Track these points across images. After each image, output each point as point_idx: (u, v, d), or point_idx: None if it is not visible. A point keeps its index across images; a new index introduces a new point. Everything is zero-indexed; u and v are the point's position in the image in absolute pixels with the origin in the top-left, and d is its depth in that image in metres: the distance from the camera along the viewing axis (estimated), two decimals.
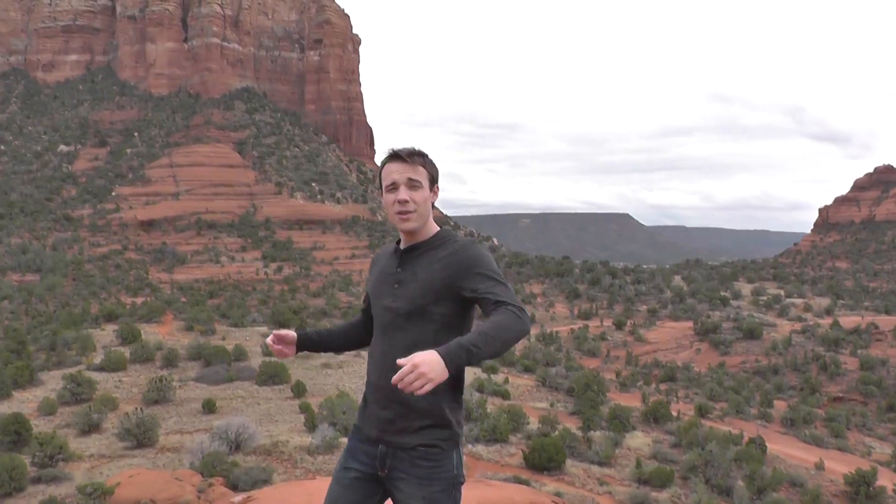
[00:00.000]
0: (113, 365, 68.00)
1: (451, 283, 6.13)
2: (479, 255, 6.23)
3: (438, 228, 6.49)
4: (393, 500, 6.41)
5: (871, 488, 45.46)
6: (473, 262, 6.17)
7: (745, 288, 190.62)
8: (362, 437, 6.47)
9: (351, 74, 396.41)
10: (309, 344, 6.84)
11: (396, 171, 6.26)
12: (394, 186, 6.26)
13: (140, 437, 43.17)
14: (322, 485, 16.37)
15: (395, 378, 5.33)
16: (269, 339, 6.66)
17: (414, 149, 6.35)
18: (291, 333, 6.76)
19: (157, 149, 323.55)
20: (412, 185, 6.24)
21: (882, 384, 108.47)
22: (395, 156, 6.30)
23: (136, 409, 47.48)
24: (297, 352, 6.78)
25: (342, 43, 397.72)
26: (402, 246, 6.44)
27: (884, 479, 47.98)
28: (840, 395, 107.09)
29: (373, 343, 6.48)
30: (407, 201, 6.21)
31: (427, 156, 6.40)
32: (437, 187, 6.48)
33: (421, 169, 6.29)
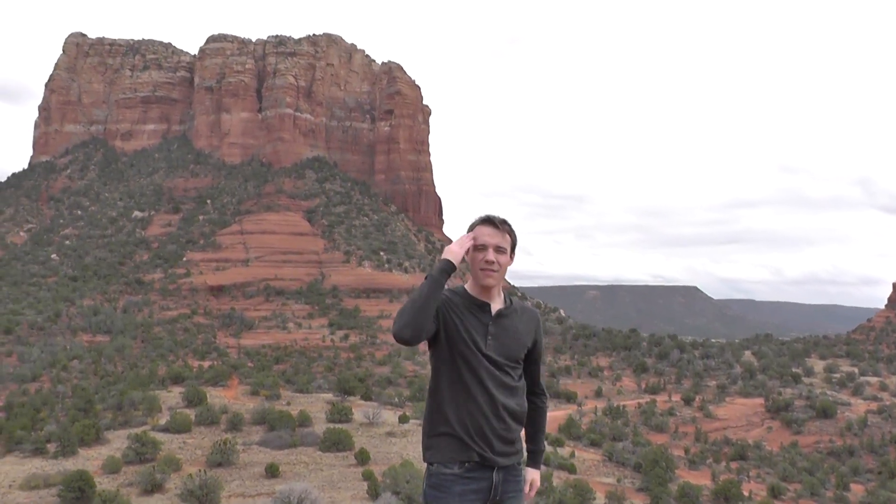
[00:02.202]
0: (178, 426, 68.13)
1: (531, 344, 7.94)
2: (542, 330, 8.09)
3: (504, 291, 7.94)
4: None
5: None
6: (541, 335, 8.09)
7: (818, 365, 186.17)
8: (473, 472, 7.55)
9: (421, 145, 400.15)
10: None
11: (488, 235, 7.63)
12: (484, 247, 7.61)
13: (202, 499, 42.85)
14: None
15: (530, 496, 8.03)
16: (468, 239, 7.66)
17: (504, 218, 7.72)
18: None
19: (229, 216, 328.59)
20: (499, 249, 7.61)
21: None
22: (489, 221, 7.69)
23: (200, 470, 47.26)
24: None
25: (412, 114, 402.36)
26: (477, 297, 7.74)
27: None
28: None
29: (459, 377, 7.61)
30: (493, 262, 7.59)
31: (512, 226, 7.74)
32: (514, 254, 7.81)
33: (507, 237, 7.67)
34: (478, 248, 7.56)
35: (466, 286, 7.81)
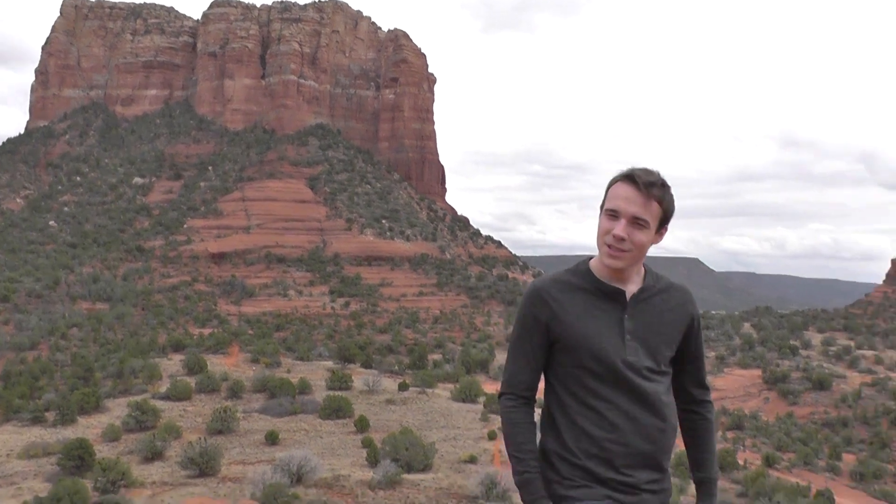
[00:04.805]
0: (178, 394, 68.67)
1: (683, 336, 5.57)
2: (698, 310, 5.72)
3: (644, 266, 5.56)
4: None
5: None
6: (699, 318, 5.67)
7: (816, 338, 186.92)
8: None
9: (425, 113, 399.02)
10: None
11: (623, 199, 5.21)
12: (615, 214, 5.22)
13: (203, 466, 43.39)
14: None
15: None
16: None
17: (657, 178, 5.25)
18: None
19: (231, 183, 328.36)
20: (636, 222, 5.20)
21: None
22: (630, 178, 5.23)
23: (200, 438, 47.78)
24: None
25: (418, 82, 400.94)
26: (606, 281, 5.43)
27: None
28: None
29: (599, 400, 5.36)
30: (624, 239, 5.20)
31: (668, 189, 5.30)
32: (666, 228, 5.40)
33: (655, 205, 5.23)
34: (609, 214, 5.23)
35: (591, 264, 5.50)
